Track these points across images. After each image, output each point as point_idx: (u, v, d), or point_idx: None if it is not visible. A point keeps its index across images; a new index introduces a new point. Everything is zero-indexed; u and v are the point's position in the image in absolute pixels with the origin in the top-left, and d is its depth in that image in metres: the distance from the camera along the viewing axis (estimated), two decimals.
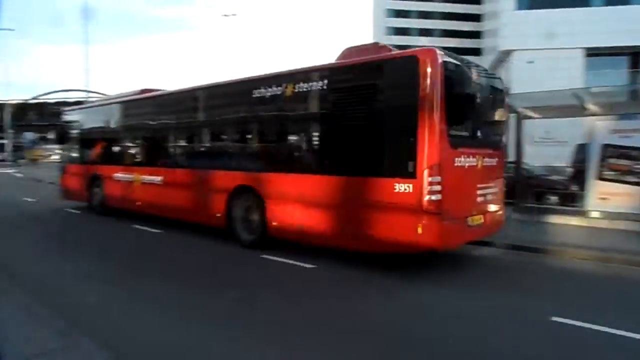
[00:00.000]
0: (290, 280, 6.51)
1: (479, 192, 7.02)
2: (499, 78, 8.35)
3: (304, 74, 7.74)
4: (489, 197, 7.29)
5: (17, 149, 59.27)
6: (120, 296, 5.73)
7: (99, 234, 10.26)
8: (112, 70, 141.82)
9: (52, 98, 63.99)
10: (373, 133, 6.74)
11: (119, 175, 11.57)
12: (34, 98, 64.97)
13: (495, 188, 7.47)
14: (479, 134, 7.34)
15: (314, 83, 7.48)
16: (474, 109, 6.87)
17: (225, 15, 56.14)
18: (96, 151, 12.85)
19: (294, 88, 7.77)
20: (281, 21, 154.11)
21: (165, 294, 5.81)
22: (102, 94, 55.34)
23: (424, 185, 6.02)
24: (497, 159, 7.56)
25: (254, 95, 8.39)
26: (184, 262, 7.65)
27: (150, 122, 11.03)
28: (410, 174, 6.14)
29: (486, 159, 7.13)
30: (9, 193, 18.79)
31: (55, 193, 14.77)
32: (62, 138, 14.71)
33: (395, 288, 6.12)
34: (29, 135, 46.67)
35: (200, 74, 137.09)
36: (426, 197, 6.01)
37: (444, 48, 6.69)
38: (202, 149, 9.87)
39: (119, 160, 11.84)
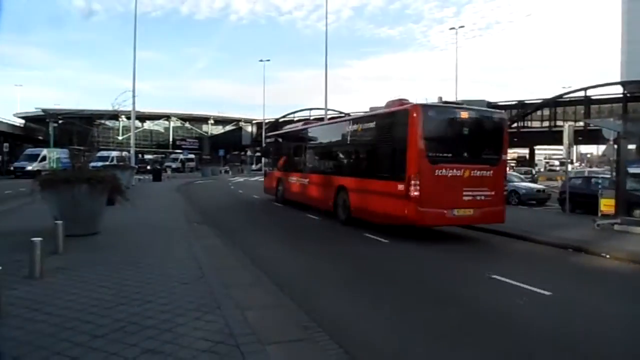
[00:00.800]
0: None
1: (465, 193, 10.30)
2: (499, 113, 12.45)
3: (364, 118, 13.60)
4: (480, 197, 10.46)
5: None
6: (349, 296, 6.51)
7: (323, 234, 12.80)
8: (348, 89, 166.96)
9: (297, 116, 72.53)
10: (391, 154, 11.17)
11: (289, 178, 18.18)
12: (282, 117, 74.19)
13: (490, 192, 10.60)
14: (465, 154, 10.61)
15: (368, 124, 12.81)
16: (454, 139, 10.62)
17: (452, 29, 55.90)
18: (278, 162, 20.12)
19: (361, 127, 13.11)
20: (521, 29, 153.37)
21: (387, 295, 6.54)
22: (338, 111, 62.17)
23: (409, 185, 9.95)
24: (492, 172, 10.67)
25: (344, 131, 14.09)
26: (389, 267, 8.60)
27: (298, 146, 18.14)
28: (403, 178, 10.17)
29: (475, 172, 10.46)
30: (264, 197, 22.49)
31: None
32: (264, 153, 26.45)
33: None
34: None
35: (432, 88, 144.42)
36: (409, 192, 9.93)
37: None
38: (324, 162, 15.68)
39: (288, 168, 18.55)
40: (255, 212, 18.19)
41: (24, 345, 3.89)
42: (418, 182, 9.89)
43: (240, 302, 5.28)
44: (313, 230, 13.29)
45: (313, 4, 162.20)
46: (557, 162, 69.42)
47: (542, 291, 6.62)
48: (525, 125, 55.73)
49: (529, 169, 47.57)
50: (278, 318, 5.04)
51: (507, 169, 15.95)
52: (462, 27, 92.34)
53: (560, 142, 17.13)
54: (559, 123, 50.23)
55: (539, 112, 54.64)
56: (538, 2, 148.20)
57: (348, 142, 13.75)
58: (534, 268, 8.29)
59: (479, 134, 11.05)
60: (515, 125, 55.37)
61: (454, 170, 10.25)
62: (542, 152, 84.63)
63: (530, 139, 59.19)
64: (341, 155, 14.45)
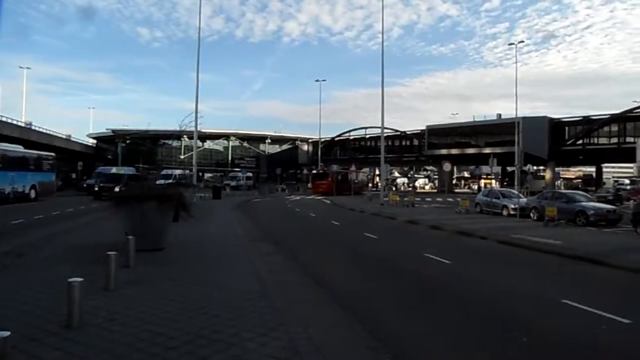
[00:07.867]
0: None
1: (318, 187, 54.20)
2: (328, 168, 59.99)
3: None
4: (322, 187, 52.96)
5: None
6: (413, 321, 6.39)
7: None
8: (402, 107, 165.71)
9: (353, 135, 74.86)
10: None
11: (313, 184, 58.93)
12: (338, 136, 76.08)
13: (311, 187, 58.11)
14: (322, 176, 56.69)
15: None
16: (317, 174, 58.32)
17: (511, 44, 52.99)
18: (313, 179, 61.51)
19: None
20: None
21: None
22: (393, 129, 64.77)
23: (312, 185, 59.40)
24: (325, 181, 53.88)
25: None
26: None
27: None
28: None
29: (321, 181, 54.96)
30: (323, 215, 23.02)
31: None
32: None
33: None
34: (334, 167, 54.86)
35: (490, 105, 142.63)
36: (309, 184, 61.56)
37: None
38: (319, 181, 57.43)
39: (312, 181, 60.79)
40: (310, 230, 18.30)
41: (103, 354, 4.12)
42: (313, 185, 56.88)
43: (302, 318, 5.34)
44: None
45: (363, 24, 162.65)
46: (627, 181, 65.43)
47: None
48: (592, 142, 53.06)
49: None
50: (342, 336, 5.05)
51: (578, 189, 17.82)
52: (522, 42, 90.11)
53: (631, 160, 16.27)
54: (629, 139, 47.45)
55: (606, 128, 51.86)
56: (598, 14, 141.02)
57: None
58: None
59: (322, 173, 56.89)
60: (580, 142, 52.94)
61: (320, 182, 54.21)
62: (609, 170, 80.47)
63: (597, 157, 56.38)
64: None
